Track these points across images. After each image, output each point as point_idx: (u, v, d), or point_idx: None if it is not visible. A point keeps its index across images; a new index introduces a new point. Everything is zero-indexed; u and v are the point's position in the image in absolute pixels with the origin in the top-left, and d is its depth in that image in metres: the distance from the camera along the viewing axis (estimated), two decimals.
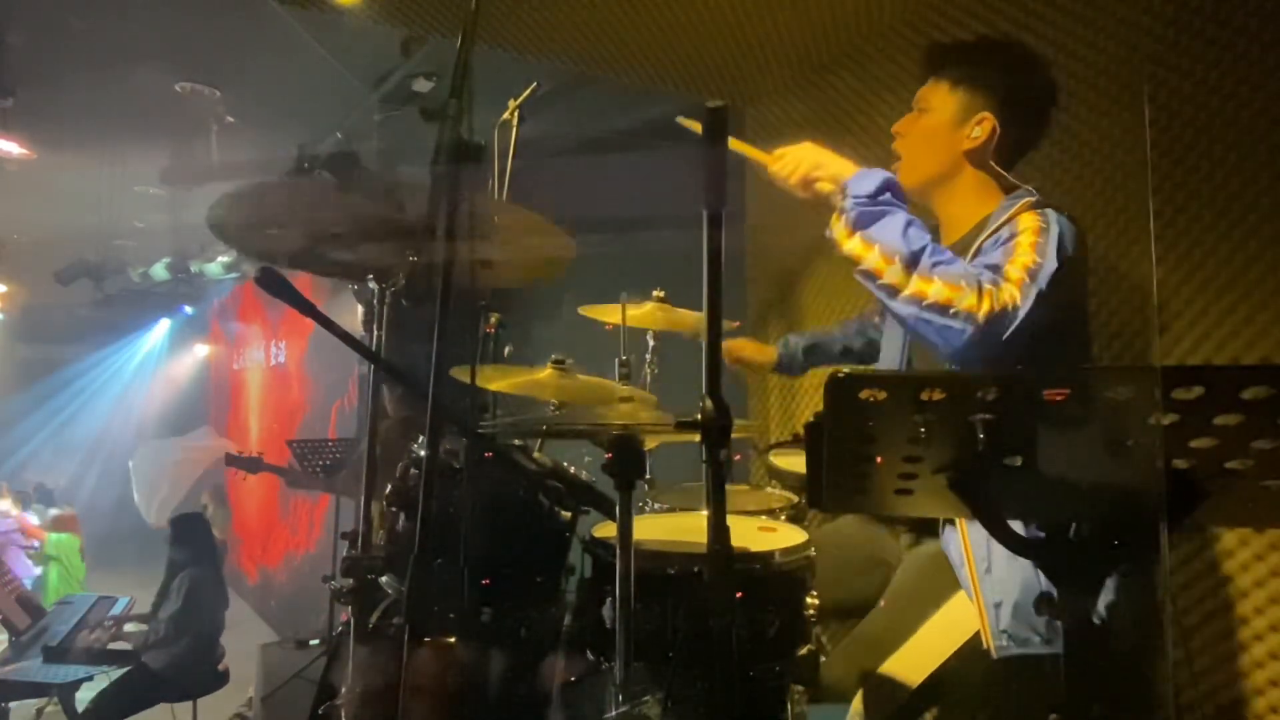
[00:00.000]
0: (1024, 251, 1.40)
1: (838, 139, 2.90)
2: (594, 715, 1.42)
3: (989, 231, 1.52)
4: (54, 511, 7.17)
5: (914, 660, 1.48)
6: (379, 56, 3.73)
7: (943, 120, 1.65)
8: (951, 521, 1.52)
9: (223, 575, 4.05)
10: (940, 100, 1.66)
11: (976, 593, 1.43)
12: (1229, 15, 1.80)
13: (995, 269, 1.39)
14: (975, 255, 1.51)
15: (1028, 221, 1.46)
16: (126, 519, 8.77)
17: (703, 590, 0.94)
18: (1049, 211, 1.48)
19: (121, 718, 3.52)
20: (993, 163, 1.63)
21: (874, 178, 1.48)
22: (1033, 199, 1.53)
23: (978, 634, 1.45)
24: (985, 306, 1.32)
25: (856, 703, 1.50)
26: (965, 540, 1.47)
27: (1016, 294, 1.34)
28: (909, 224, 1.43)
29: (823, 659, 1.51)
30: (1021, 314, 1.33)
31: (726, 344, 2.18)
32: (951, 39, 2.40)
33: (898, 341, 1.79)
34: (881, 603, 1.61)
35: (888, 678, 1.48)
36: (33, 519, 7.33)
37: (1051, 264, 1.39)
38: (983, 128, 1.62)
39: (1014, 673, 1.39)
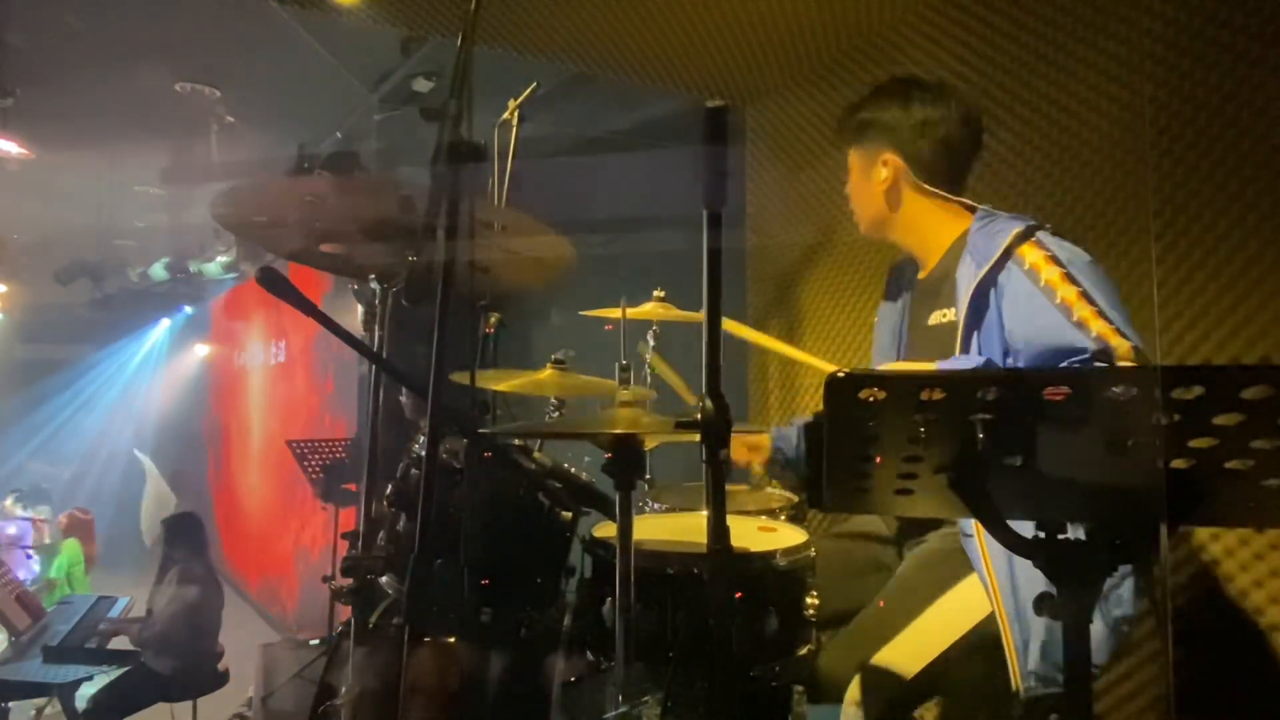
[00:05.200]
0: (1068, 295, 1.43)
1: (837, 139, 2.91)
2: (594, 715, 1.42)
3: (989, 265, 1.52)
4: (66, 513, 7.12)
5: (914, 648, 1.47)
6: (379, 56, 3.74)
7: (857, 179, 1.81)
8: (977, 552, 1.50)
9: (214, 571, 4.05)
10: (851, 162, 1.81)
11: (1005, 630, 1.42)
12: (1229, 15, 1.80)
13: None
14: (976, 291, 1.52)
15: (1034, 257, 1.48)
16: (127, 520, 8.76)
17: (703, 590, 0.94)
18: (1042, 237, 1.51)
19: (121, 718, 3.52)
20: (929, 187, 1.70)
21: None
22: (1020, 227, 1.53)
23: (980, 623, 1.45)
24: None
25: (853, 690, 1.49)
26: (991, 577, 1.44)
27: (1110, 335, 1.39)
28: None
29: (819, 658, 1.51)
30: (1133, 338, 1.39)
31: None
32: (949, 39, 2.41)
33: (889, 338, 1.84)
34: (879, 600, 1.60)
35: (886, 666, 1.48)
36: (33, 515, 7.30)
37: (1089, 276, 1.45)
38: (888, 168, 1.72)
39: (1036, 709, 1.40)
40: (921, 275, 1.80)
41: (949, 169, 1.71)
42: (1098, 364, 1.39)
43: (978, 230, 1.60)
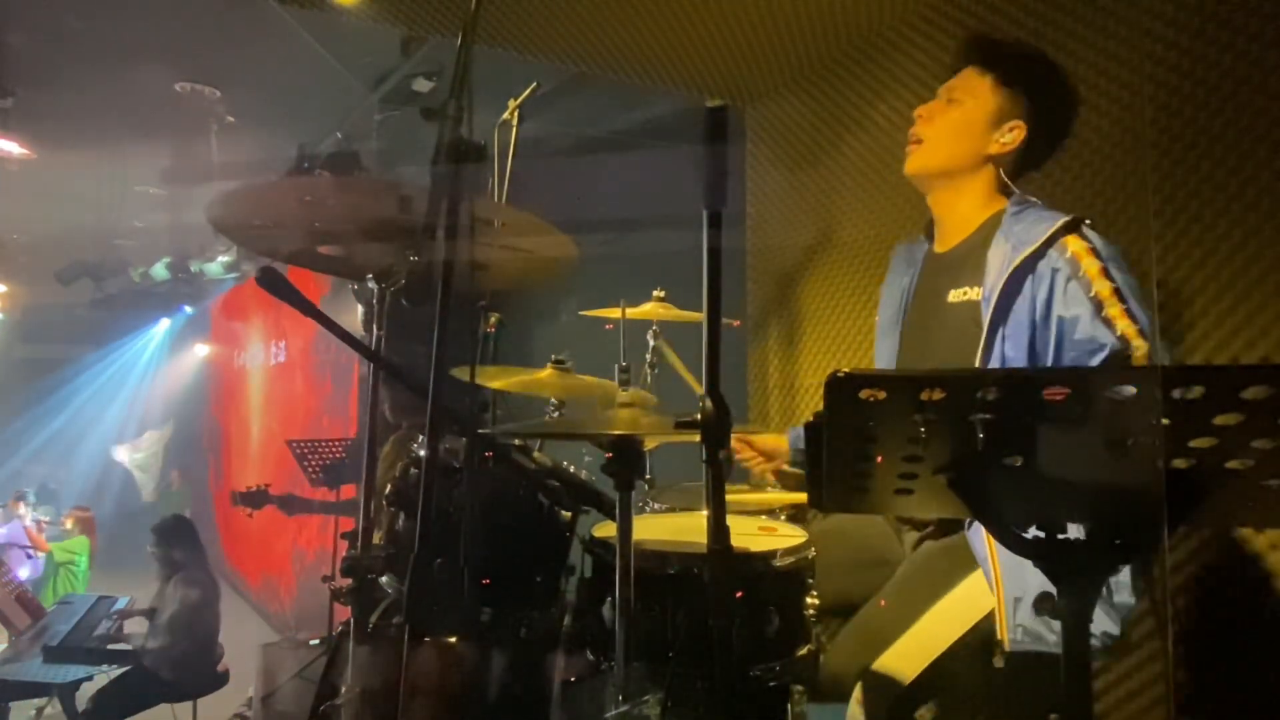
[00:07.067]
0: (1103, 289, 1.44)
1: (837, 139, 2.91)
2: (594, 715, 1.42)
3: (1028, 250, 1.51)
4: (68, 512, 7.13)
5: (914, 650, 1.47)
6: (379, 56, 3.74)
7: (979, 116, 1.66)
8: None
9: (213, 573, 4.06)
10: (980, 95, 1.67)
11: (998, 584, 1.42)
12: (1229, 15, 1.80)
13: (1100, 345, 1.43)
14: (1013, 274, 1.52)
15: (1076, 247, 1.49)
16: (127, 519, 8.77)
17: (703, 590, 0.94)
18: (1088, 233, 1.51)
19: (121, 718, 3.53)
20: (1002, 172, 1.68)
21: None
22: (1066, 219, 1.52)
23: (980, 624, 1.45)
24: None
25: (858, 691, 1.49)
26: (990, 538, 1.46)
27: (1134, 335, 1.40)
28: None
29: (822, 657, 1.51)
30: (1151, 340, 1.40)
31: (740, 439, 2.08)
32: (969, 33, 2.40)
33: (891, 346, 1.83)
34: (881, 598, 1.60)
35: (887, 668, 1.48)
36: (38, 518, 7.32)
37: (1127, 282, 1.46)
38: (1014, 135, 1.66)
39: (1022, 669, 1.39)
40: (940, 249, 1.78)
41: (1033, 163, 1.72)
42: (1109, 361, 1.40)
43: (1014, 215, 1.60)
